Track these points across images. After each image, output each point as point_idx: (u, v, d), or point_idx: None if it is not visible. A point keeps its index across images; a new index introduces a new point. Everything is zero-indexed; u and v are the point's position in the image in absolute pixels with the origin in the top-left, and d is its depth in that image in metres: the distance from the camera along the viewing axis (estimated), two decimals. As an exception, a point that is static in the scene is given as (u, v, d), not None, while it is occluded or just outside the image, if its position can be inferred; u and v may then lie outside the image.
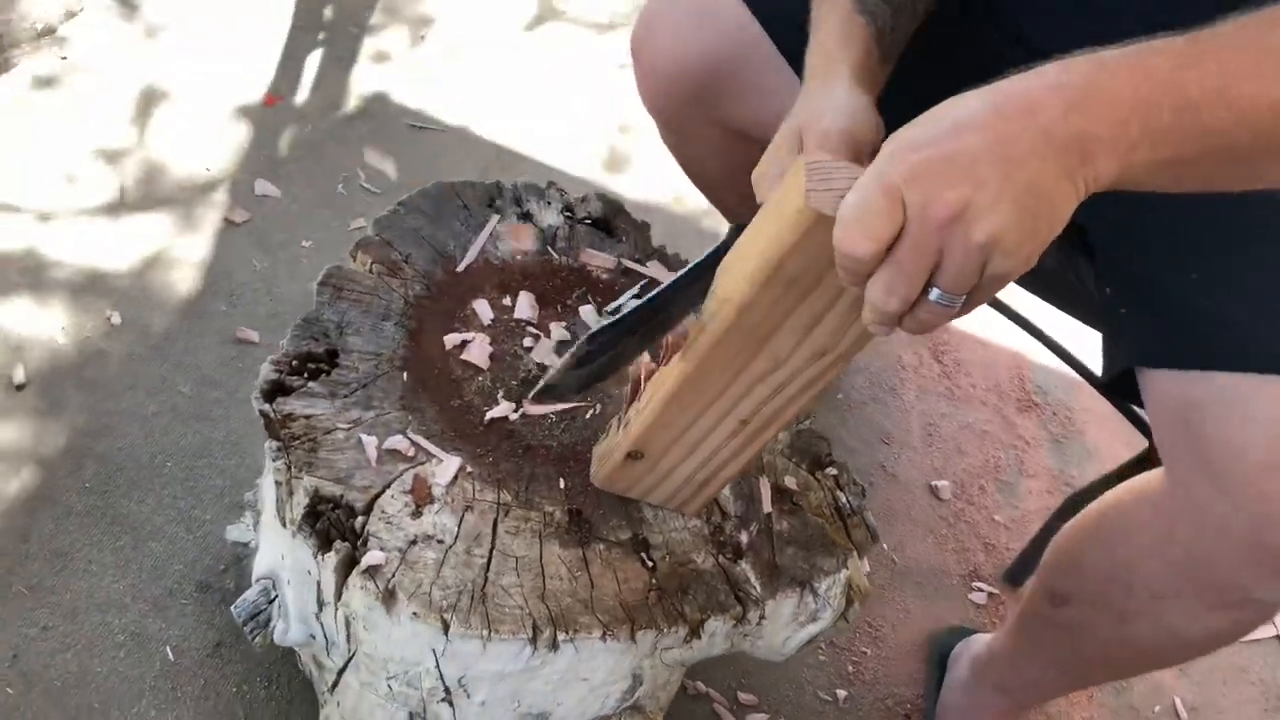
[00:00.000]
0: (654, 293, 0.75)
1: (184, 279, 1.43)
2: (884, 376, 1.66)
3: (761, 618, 0.82)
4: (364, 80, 1.82)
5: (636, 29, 1.06)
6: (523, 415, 0.85)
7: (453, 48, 1.94)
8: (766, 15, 0.98)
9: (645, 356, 0.78)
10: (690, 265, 0.75)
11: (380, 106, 1.78)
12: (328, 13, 1.93)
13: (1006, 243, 0.53)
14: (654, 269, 0.99)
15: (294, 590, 0.84)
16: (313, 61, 1.82)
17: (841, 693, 1.27)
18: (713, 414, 0.73)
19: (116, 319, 1.36)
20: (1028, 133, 0.53)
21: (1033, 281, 1.10)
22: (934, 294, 0.55)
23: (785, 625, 0.85)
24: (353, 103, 1.77)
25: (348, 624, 0.79)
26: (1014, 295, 1.17)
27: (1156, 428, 0.88)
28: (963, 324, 1.75)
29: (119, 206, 1.50)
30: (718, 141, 1.07)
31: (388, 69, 1.86)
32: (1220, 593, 0.85)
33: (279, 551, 0.84)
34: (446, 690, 0.79)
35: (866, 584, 0.89)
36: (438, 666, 0.77)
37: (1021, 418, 1.67)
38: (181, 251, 1.46)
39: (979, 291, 0.56)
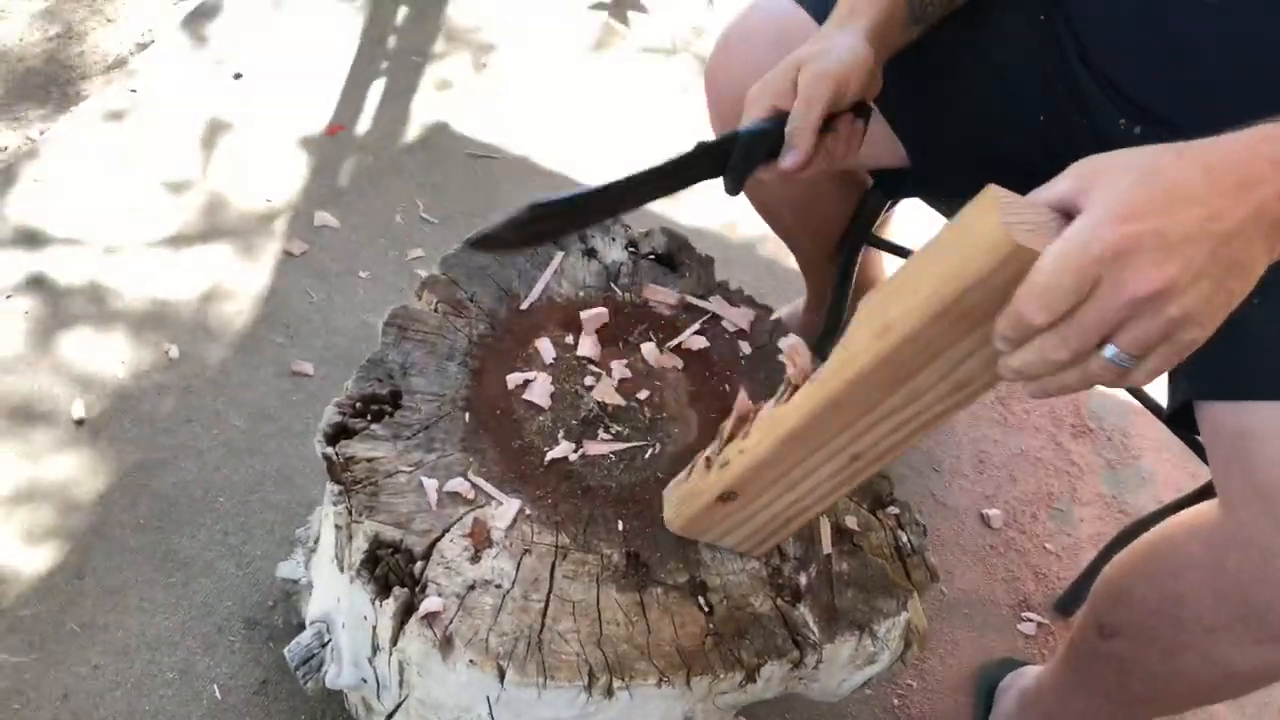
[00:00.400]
0: (607, 183, 0.78)
1: (241, 311, 1.46)
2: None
3: (819, 662, 0.81)
4: (425, 109, 1.85)
5: (714, 57, 1.07)
6: (583, 456, 0.85)
7: (514, 74, 1.96)
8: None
9: (743, 394, 0.76)
10: (650, 168, 0.79)
11: (441, 135, 1.80)
12: (391, 42, 1.97)
13: (1200, 316, 0.54)
14: (716, 304, 0.98)
15: (348, 635, 0.84)
16: (375, 91, 1.86)
17: (891, 731, 1.25)
18: (827, 451, 0.70)
19: (174, 352, 1.39)
20: (1241, 209, 0.53)
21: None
22: (1109, 351, 0.54)
23: (842, 668, 0.84)
24: (413, 132, 1.80)
25: (401, 669, 0.80)
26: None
27: (1212, 458, 0.87)
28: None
29: (181, 239, 1.54)
30: (788, 181, 1.06)
31: (449, 97, 1.88)
32: (1270, 626, 0.83)
33: (335, 595, 0.85)
34: (498, 728, 0.79)
35: (925, 624, 0.88)
36: (490, 713, 0.77)
37: (1076, 444, 1.64)
38: (240, 284, 1.49)
39: (1158, 358, 0.55)
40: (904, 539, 0.87)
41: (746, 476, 0.74)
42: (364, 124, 1.80)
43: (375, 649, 0.82)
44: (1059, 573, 1.45)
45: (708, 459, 0.78)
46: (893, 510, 0.89)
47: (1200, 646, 0.88)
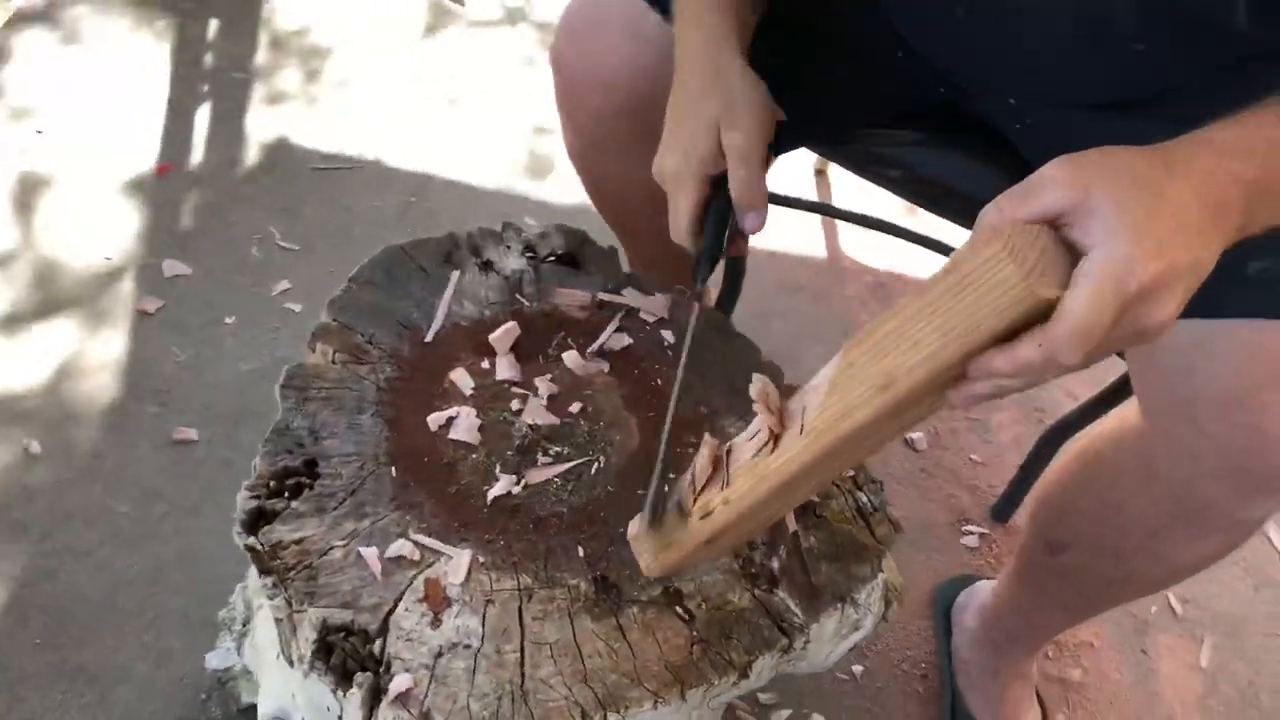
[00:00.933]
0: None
1: (103, 386, 1.35)
2: (837, 344, 1.64)
3: (806, 642, 0.79)
4: (260, 128, 1.73)
5: (560, 44, 1.01)
6: (526, 486, 0.81)
7: (349, 75, 1.85)
8: None
9: (708, 438, 0.71)
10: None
11: (283, 154, 1.69)
12: (208, 61, 1.82)
13: (1170, 325, 0.56)
14: (630, 297, 0.94)
15: (312, 727, 0.78)
16: (201, 118, 1.73)
17: (858, 668, 1.27)
18: (813, 484, 0.69)
19: (35, 447, 1.27)
20: (1220, 235, 0.57)
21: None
22: None
23: (829, 642, 0.82)
24: (252, 155, 1.68)
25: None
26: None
27: (1132, 371, 0.89)
28: (913, 267, 1.74)
29: (16, 319, 1.41)
30: (643, 152, 1.01)
31: (284, 111, 1.77)
32: (1207, 520, 0.87)
33: (288, 691, 0.79)
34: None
35: (900, 580, 0.87)
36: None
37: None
38: (94, 356, 1.37)
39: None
40: (863, 499, 0.86)
41: (732, 523, 0.70)
42: (196, 156, 1.67)
43: (343, 738, 0.76)
44: (989, 481, 1.48)
45: (681, 507, 0.72)
46: (848, 473, 0.87)
47: (1147, 548, 0.91)
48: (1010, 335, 0.56)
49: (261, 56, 1.85)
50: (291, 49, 1.88)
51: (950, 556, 1.38)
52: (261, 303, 1.47)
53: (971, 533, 1.42)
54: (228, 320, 1.44)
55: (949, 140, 1.06)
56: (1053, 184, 0.56)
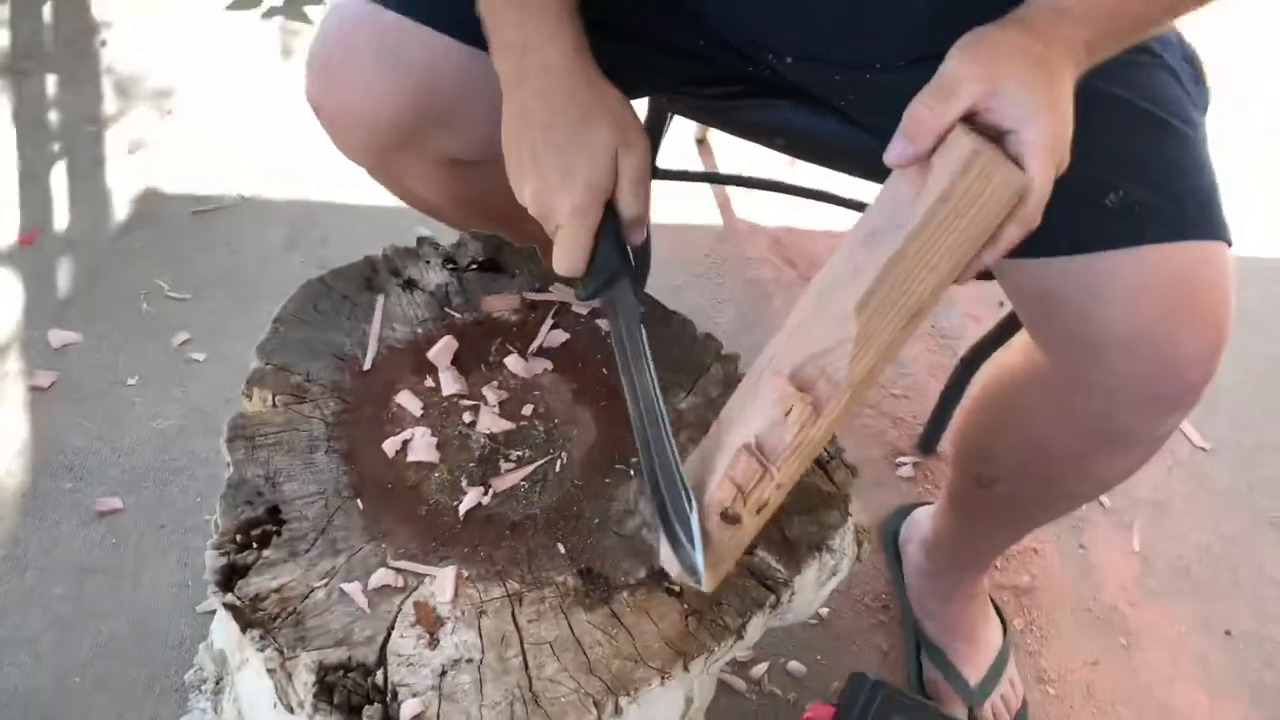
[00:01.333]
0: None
1: (9, 470, 1.28)
2: (751, 305, 1.68)
3: (791, 595, 0.82)
4: (125, 178, 1.66)
5: (313, 77, 0.91)
6: (494, 495, 0.81)
7: (207, 112, 1.79)
8: (466, 31, 0.86)
9: (740, 446, 0.72)
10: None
11: (154, 202, 1.63)
12: (54, 117, 1.74)
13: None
14: (558, 293, 0.95)
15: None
16: (59, 177, 1.65)
17: (824, 610, 1.30)
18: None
19: (-52, 545, 1.21)
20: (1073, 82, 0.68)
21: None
22: None
23: (810, 590, 0.85)
24: (122, 208, 1.62)
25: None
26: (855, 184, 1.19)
27: (1021, 313, 0.93)
28: (808, 220, 1.79)
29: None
30: (432, 174, 0.98)
31: (146, 158, 1.70)
32: (1129, 440, 0.91)
33: (295, 733, 0.77)
34: (522, 799, 0.76)
35: (866, 520, 0.91)
36: (510, 785, 0.73)
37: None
38: (-8, 441, 1.31)
39: None
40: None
41: (778, 506, 0.73)
42: (61, 219, 1.60)
43: (356, 774, 0.75)
44: (912, 413, 1.54)
45: (727, 516, 0.73)
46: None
47: (1075, 470, 0.96)
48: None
49: (109, 106, 1.78)
50: (139, 93, 1.81)
51: (890, 489, 1.44)
52: (163, 358, 1.42)
53: (905, 464, 1.48)
54: (130, 381, 1.39)
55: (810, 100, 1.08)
56: (967, 80, 0.65)
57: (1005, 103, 0.65)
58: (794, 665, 1.24)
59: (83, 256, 1.53)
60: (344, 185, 1.69)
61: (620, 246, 0.78)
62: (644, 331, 0.79)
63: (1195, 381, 0.82)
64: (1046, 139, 0.64)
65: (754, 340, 1.53)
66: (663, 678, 0.73)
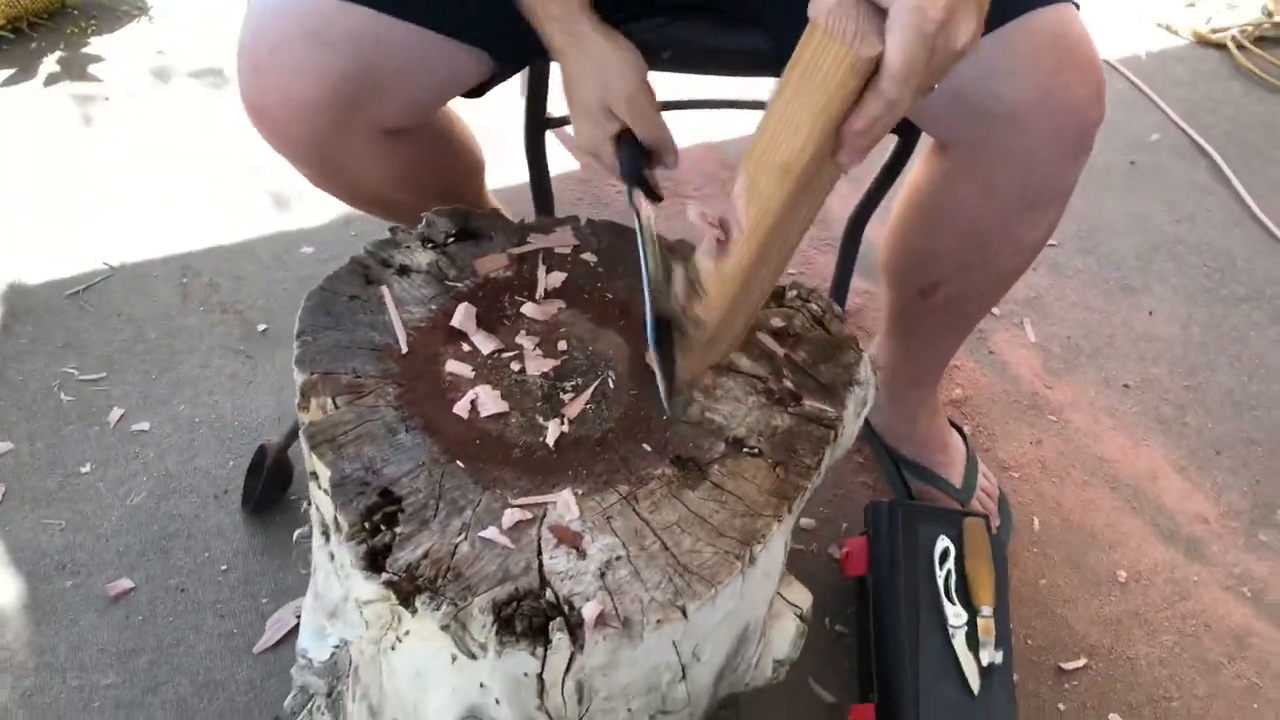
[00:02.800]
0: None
1: (1, 590, 1.23)
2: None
3: (842, 428, 0.93)
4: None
5: (247, 80, 0.99)
6: (570, 422, 0.88)
7: (29, 190, 1.71)
8: (388, 2, 0.97)
9: (676, 266, 0.87)
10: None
11: (25, 296, 1.56)
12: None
13: (976, 41, 0.69)
14: (538, 241, 1.01)
15: (507, 706, 0.83)
16: (-87, 297, 1.55)
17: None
18: (767, 267, 0.83)
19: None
20: None
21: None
22: None
23: (851, 422, 0.97)
24: (5, 306, 1.53)
25: (579, 688, 0.81)
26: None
27: (928, 120, 1.07)
28: (711, 133, 1.89)
29: None
30: (371, 150, 1.06)
31: (8, 251, 1.61)
32: (1048, 195, 1.07)
33: (474, 684, 0.83)
34: (683, 668, 0.85)
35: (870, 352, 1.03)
36: (680, 660, 0.82)
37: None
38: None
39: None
40: (813, 308, 1.00)
41: (720, 321, 0.86)
42: (-68, 338, 1.50)
43: (543, 693, 0.82)
44: (822, 276, 1.68)
45: (678, 327, 0.87)
46: (791, 294, 1.01)
47: (1007, 243, 1.11)
48: (861, 93, 0.70)
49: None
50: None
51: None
52: (107, 438, 1.38)
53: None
54: (84, 470, 1.34)
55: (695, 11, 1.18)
56: None
57: None
58: (804, 521, 1.37)
59: (-29, 368, 1.45)
60: (207, 230, 1.66)
61: (633, 165, 0.92)
62: (645, 221, 0.90)
63: (1092, 122, 0.99)
64: (909, 15, 0.65)
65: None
66: (777, 520, 0.83)
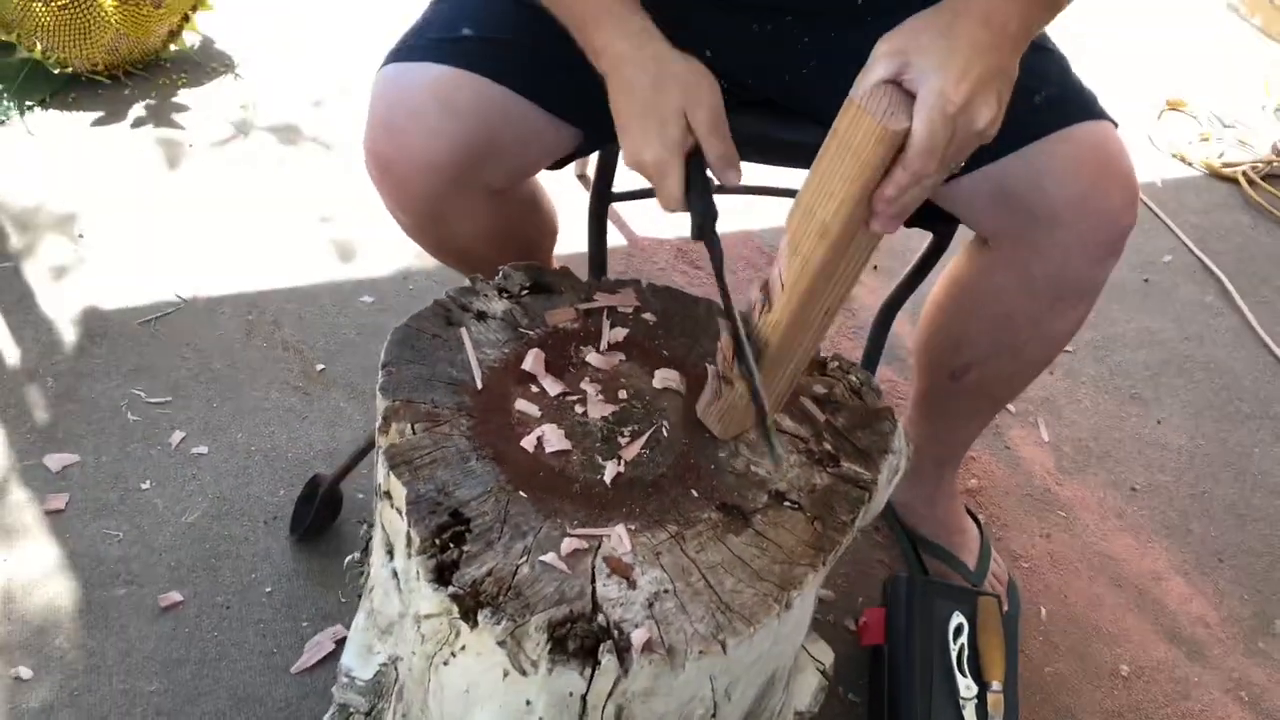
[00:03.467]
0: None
1: (57, 592, 1.30)
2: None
3: (874, 492, 1.01)
4: (61, 306, 1.67)
5: (379, 138, 1.10)
6: (627, 463, 0.95)
7: (112, 225, 1.82)
8: (502, 75, 1.08)
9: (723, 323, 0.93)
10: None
11: (100, 321, 1.65)
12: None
13: (996, 123, 0.78)
14: (603, 299, 1.10)
15: (550, 722, 0.89)
16: (-8, 322, 1.64)
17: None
18: (811, 326, 0.90)
19: (24, 672, 1.22)
20: (1008, 42, 0.78)
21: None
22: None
23: (883, 489, 1.04)
24: (70, 334, 1.63)
25: (618, 712, 0.87)
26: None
27: (975, 216, 1.17)
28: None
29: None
30: (480, 206, 1.17)
31: (74, 282, 1.72)
32: (1079, 291, 1.17)
33: (520, 701, 0.89)
34: (715, 705, 0.91)
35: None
36: (713, 692, 0.88)
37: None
38: (26, 571, 1.32)
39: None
40: (852, 380, 1.09)
41: (767, 375, 0.93)
42: (11, 354, 1.60)
43: (582, 716, 0.87)
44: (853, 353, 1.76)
45: (724, 379, 0.94)
46: (833, 364, 1.09)
47: (1037, 333, 1.20)
48: (889, 166, 0.79)
49: (15, 242, 1.77)
50: (40, 224, 1.81)
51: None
52: (167, 459, 1.45)
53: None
54: (144, 486, 1.42)
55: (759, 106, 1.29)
56: (880, 58, 0.80)
57: (911, 70, 0.78)
58: (822, 592, 1.43)
59: (48, 383, 1.53)
60: (275, 273, 1.76)
61: (706, 194, 0.93)
62: (718, 262, 0.94)
63: (1125, 226, 1.09)
64: (934, 97, 0.75)
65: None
66: (813, 569, 0.90)
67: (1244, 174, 2.42)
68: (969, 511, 1.52)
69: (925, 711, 1.17)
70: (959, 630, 1.23)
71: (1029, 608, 1.47)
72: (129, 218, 1.83)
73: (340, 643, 1.28)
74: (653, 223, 1.99)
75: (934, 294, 1.32)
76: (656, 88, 0.93)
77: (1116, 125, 1.13)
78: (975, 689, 1.19)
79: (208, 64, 2.21)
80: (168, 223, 1.83)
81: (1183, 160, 2.47)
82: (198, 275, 1.73)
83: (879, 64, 0.79)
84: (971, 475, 1.64)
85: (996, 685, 1.19)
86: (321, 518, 1.36)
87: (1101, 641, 1.45)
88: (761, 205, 1.94)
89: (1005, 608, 1.42)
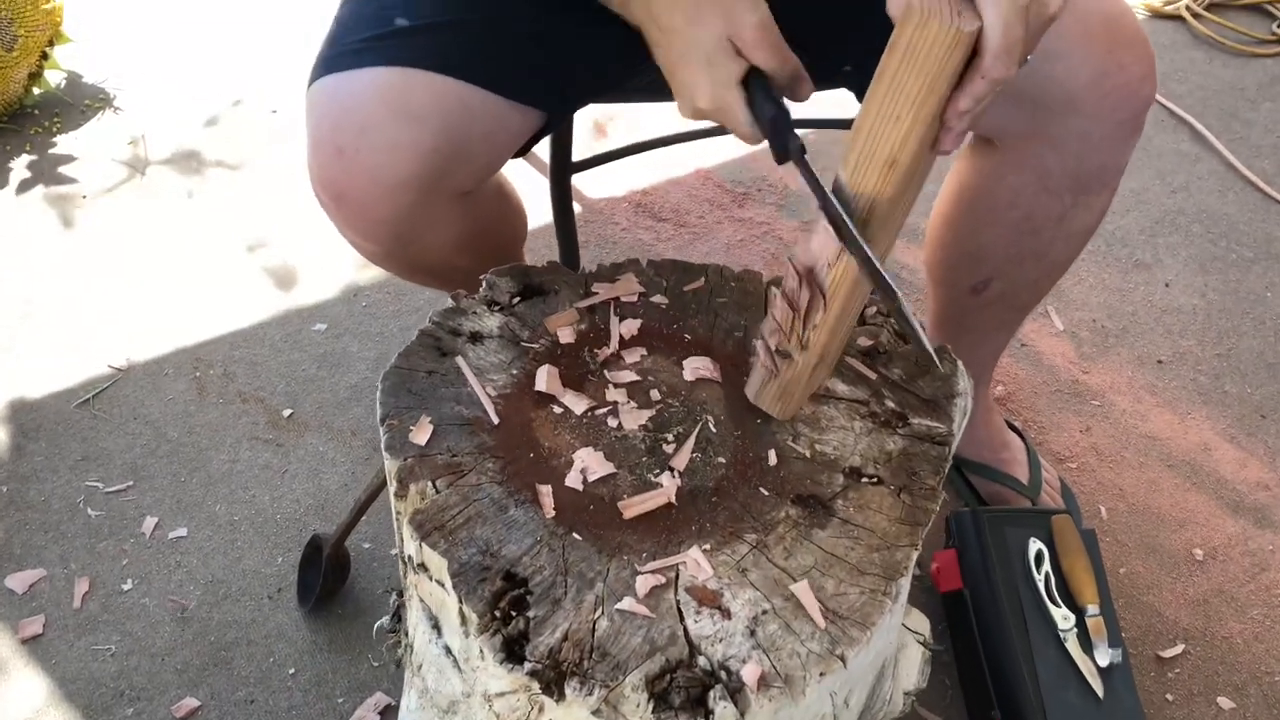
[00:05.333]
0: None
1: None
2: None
3: (954, 442, 0.91)
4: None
5: (328, 166, 0.94)
6: (679, 474, 0.84)
7: (25, 297, 1.64)
8: (453, 67, 0.93)
9: (776, 291, 0.82)
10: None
11: (30, 412, 1.48)
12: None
13: (1065, 6, 0.70)
14: (604, 291, 0.97)
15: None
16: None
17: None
18: (867, 280, 0.78)
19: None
20: None
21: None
22: None
23: (957, 432, 0.94)
24: (0, 434, 1.46)
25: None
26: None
27: (989, 122, 1.04)
28: (649, 178, 1.87)
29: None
30: (449, 214, 1.03)
31: (10, 365, 1.54)
32: (1102, 180, 1.07)
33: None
34: (834, 717, 0.81)
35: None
36: (832, 704, 0.78)
37: (748, 209, 1.85)
38: (19, 710, 1.17)
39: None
40: (894, 323, 0.98)
41: (827, 341, 0.82)
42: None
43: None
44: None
45: (779, 352, 0.83)
46: (871, 310, 0.98)
47: (1060, 233, 1.10)
48: (960, 74, 0.69)
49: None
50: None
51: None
52: (144, 551, 1.31)
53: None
54: (126, 587, 1.27)
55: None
56: None
57: None
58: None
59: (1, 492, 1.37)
60: (214, 319, 1.60)
61: (778, 115, 0.79)
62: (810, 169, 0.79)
63: (1146, 98, 0.99)
64: None
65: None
66: (914, 548, 0.80)
67: (1187, 8, 2.34)
68: (1008, 423, 1.43)
69: (1026, 653, 1.09)
70: (1039, 558, 1.15)
71: (1088, 510, 1.40)
72: (37, 291, 1.64)
73: (385, 711, 1.16)
74: (602, 182, 1.85)
75: (939, 207, 1.21)
76: (693, 21, 0.79)
77: None
78: (1071, 617, 1.11)
79: (80, 102, 2.00)
80: (81, 289, 1.65)
81: (1122, 7, 2.38)
82: (129, 339, 1.57)
83: None
84: (996, 382, 1.56)
85: (1093, 609, 1.11)
86: (331, 582, 1.23)
87: (1168, 529, 1.39)
88: (709, 143, 1.80)
89: (1078, 523, 1.35)
